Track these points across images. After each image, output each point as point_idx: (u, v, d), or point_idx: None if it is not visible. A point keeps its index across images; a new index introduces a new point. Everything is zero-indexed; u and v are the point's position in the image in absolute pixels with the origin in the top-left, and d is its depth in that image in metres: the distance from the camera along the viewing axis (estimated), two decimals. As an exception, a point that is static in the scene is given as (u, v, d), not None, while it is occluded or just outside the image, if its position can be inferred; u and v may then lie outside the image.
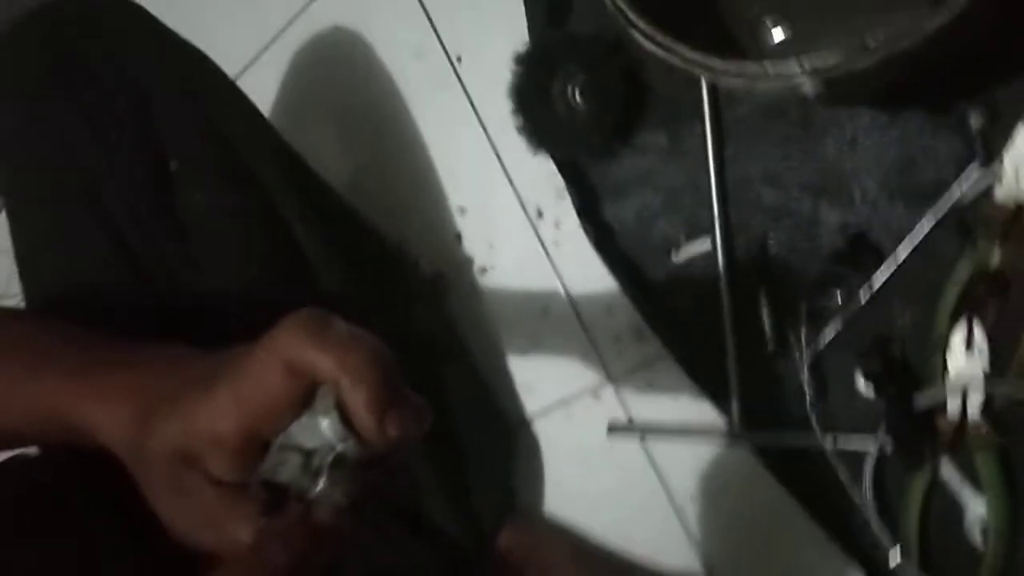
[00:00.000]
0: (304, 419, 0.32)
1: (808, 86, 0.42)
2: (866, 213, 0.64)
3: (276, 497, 0.32)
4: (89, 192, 0.59)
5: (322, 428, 0.31)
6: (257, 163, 0.65)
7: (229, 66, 0.92)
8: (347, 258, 0.67)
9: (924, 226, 0.61)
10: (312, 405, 0.32)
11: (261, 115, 0.72)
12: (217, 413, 0.33)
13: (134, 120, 0.60)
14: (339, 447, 0.31)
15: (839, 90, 0.45)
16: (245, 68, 0.97)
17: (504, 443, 0.81)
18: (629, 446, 0.78)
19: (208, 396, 0.34)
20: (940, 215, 0.60)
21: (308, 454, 0.31)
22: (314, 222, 0.66)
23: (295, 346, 0.32)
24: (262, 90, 0.94)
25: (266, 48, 0.96)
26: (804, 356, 0.66)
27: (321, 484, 0.31)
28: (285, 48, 0.94)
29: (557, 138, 0.71)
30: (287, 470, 0.32)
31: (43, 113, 0.60)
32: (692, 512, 0.76)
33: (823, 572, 0.69)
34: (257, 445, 0.34)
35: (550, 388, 0.81)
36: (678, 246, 0.71)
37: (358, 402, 0.31)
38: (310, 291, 0.64)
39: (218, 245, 0.62)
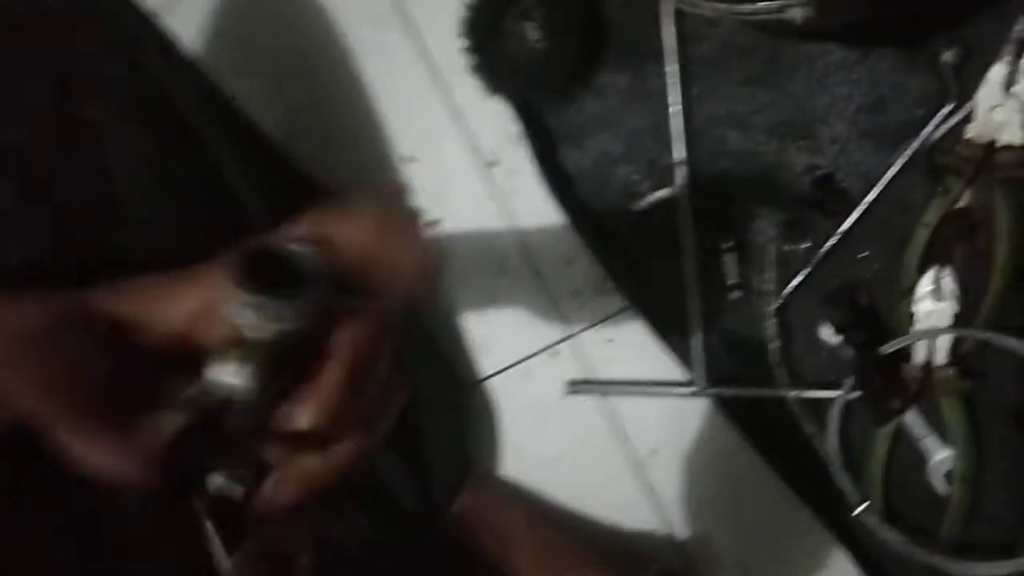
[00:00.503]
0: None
1: (798, 12, 0.39)
2: (834, 155, 0.62)
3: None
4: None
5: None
6: (184, 107, 0.60)
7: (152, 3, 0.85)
8: (281, 206, 0.62)
9: (893, 168, 0.60)
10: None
11: (186, 56, 0.66)
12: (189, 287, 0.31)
13: (51, 64, 0.55)
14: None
15: (826, 18, 0.42)
16: (170, 4, 0.89)
17: (459, 404, 0.78)
18: (589, 403, 0.76)
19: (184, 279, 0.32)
20: (910, 156, 0.59)
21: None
22: (247, 171, 0.61)
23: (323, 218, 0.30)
24: (186, 30, 0.87)
25: (190, -15, 0.89)
26: (769, 305, 0.65)
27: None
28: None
29: (513, 78, 0.67)
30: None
31: None
32: (654, 468, 0.74)
33: (787, 524, 0.68)
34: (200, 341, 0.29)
35: (507, 346, 0.78)
36: (640, 193, 0.68)
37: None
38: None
39: (144, 194, 0.57)
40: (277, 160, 0.71)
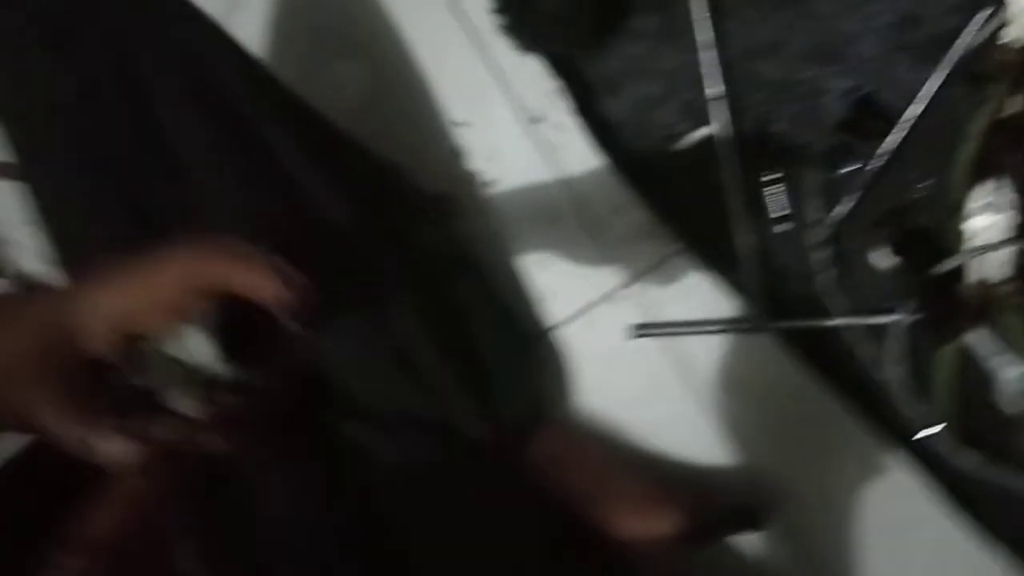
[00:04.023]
0: (188, 337, 0.34)
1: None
2: (871, 76, 0.60)
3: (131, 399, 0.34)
4: (83, 142, 0.61)
5: (196, 345, 0.34)
6: (247, 102, 0.64)
7: (215, 6, 0.90)
8: (348, 191, 0.66)
9: (933, 82, 0.57)
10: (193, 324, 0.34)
11: (247, 53, 0.70)
12: (116, 285, 0.36)
13: (118, 70, 0.61)
14: (212, 370, 0.33)
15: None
16: (231, 8, 0.94)
17: (530, 355, 0.81)
18: (655, 345, 0.77)
19: (118, 275, 0.37)
20: (949, 68, 0.56)
21: (187, 371, 0.33)
22: (307, 155, 0.65)
23: (207, 260, 0.35)
24: (251, 25, 0.92)
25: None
26: (819, 234, 0.64)
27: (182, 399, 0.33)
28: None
29: (543, 33, 0.68)
30: (163, 376, 0.33)
31: (33, 77, 0.61)
32: (721, 404, 0.75)
33: (857, 453, 0.68)
34: (135, 333, 0.35)
35: (570, 295, 0.80)
36: (680, 134, 0.68)
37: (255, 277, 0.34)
38: (316, 227, 0.64)
39: (214, 186, 0.63)
40: (341, 145, 0.73)
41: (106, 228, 0.62)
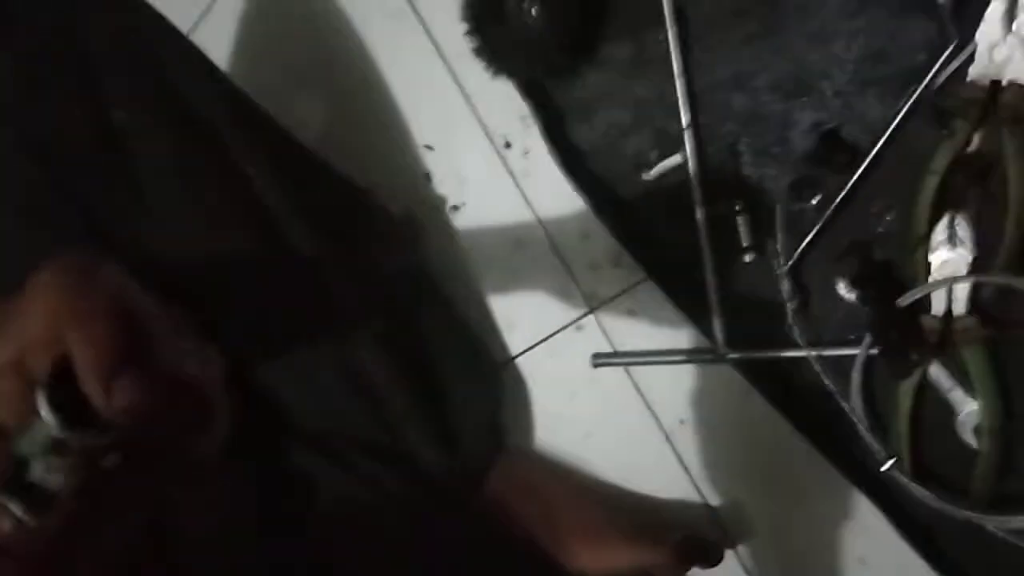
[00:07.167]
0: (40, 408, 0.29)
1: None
2: (838, 109, 0.61)
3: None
4: (35, 146, 0.58)
5: (42, 412, 0.28)
6: (211, 115, 0.62)
7: (182, 19, 0.89)
8: (312, 211, 0.64)
9: (898, 116, 0.58)
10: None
11: (213, 66, 0.68)
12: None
13: (73, 71, 0.58)
14: (55, 433, 0.28)
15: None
16: (199, 19, 0.94)
17: (489, 382, 0.79)
18: (615, 375, 0.76)
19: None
20: (915, 103, 0.58)
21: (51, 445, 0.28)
22: (274, 175, 0.63)
23: (49, 288, 0.30)
24: (217, 41, 0.91)
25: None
26: (783, 265, 0.64)
27: (38, 472, 0.28)
28: (237, -5, 0.91)
29: (515, 59, 0.68)
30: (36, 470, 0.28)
31: None
32: (682, 437, 0.74)
33: (817, 485, 0.68)
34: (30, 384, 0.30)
35: (532, 323, 0.79)
36: (649, 163, 0.69)
37: (84, 360, 0.28)
38: (276, 246, 0.62)
39: (173, 199, 0.60)
40: (307, 164, 0.72)
41: (45, 229, 0.59)
